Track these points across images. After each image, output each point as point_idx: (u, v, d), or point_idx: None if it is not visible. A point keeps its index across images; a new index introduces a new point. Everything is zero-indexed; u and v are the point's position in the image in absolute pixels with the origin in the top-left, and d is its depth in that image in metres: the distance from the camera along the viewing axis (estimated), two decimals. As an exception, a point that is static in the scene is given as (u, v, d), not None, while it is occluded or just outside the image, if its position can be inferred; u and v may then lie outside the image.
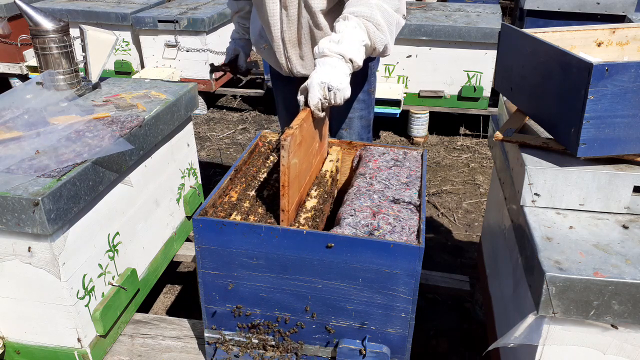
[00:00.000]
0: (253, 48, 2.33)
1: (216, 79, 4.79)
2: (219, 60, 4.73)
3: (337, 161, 1.92)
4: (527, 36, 1.59)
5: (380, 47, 1.71)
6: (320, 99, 1.58)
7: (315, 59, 1.65)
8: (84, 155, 1.65)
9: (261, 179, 1.75)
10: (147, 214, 2.09)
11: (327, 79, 1.56)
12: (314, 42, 1.98)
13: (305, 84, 1.61)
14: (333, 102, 1.61)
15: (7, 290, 1.66)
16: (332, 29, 1.73)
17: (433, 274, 2.34)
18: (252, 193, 1.67)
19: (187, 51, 4.57)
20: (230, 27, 4.89)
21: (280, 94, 2.38)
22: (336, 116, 2.21)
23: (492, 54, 3.98)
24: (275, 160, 1.88)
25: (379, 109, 3.82)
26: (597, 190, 1.43)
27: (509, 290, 1.65)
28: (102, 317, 1.75)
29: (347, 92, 1.62)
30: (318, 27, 1.93)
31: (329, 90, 1.57)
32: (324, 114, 1.65)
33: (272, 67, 2.24)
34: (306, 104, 1.61)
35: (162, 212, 2.23)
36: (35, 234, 1.51)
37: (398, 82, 4.30)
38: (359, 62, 1.65)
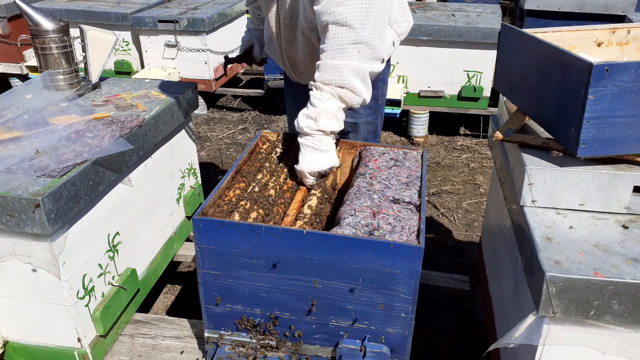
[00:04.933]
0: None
1: (216, 79, 4.79)
2: (220, 60, 4.72)
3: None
4: (527, 36, 1.59)
5: (357, 106, 1.71)
6: (314, 181, 1.72)
7: (297, 134, 1.70)
8: (84, 155, 1.65)
9: (261, 179, 1.75)
10: (147, 214, 2.09)
11: (316, 167, 1.68)
12: (313, 60, 1.92)
13: (296, 168, 1.71)
14: (325, 176, 1.74)
15: (7, 290, 1.66)
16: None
17: (433, 274, 2.34)
18: (252, 193, 1.67)
19: (187, 51, 4.57)
20: (230, 27, 4.89)
21: (290, 92, 2.38)
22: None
23: (492, 54, 3.97)
24: (275, 161, 1.88)
25: (379, 109, 3.81)
26: (597, 190, 1.43)
27: (509, 290, 1.65)
28: (102, 317, 1.75)
29: (336, 164, 1.73)
30: (317, 48, 1.90)
31: (319, 169, 1.69)
32: (319, 180, 1.76)
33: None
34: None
35: (162, 212, 2.23)
36: (35, 234, 1.51)
37: (398, 82, 4.29)
38: (340, 128, 1.69)
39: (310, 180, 1.72)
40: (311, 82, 1.68)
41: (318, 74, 1.67)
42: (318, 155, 1.68)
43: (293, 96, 2.35)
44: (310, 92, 1.67)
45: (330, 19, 1.63)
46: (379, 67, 1.71)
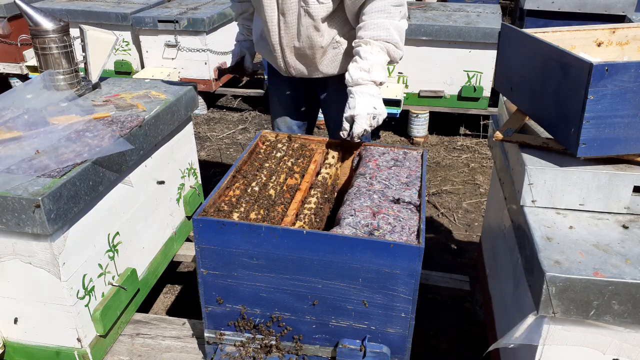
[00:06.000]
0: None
1: (216, 79, 4.79)
2: (220, 59, 4.73)
3: (337, 165, 1.93)
4: (527, 36, 1.59)
5: (398, 61, 1.94)
6: (366, 129, 1.82)
7: (348, 87, 1.86)
8: (84, 155, 1.65)
9: (261, 179, 1.75)
10: (147, 214, 2.09)
11: (372, 110, 1.82)
12: (311, 45, 2.01)
13: (351, 113, 1.82)
14: (374, 126, 1.85)
15: (7, 290, 1.66)
16: (338, 34, 1.98)
17: (433, 274, 2.34)
18: (252, 193, 1.67)
19: (187, 51, 4.57)
20: (230, 27, 4.89)
21: (275, 91, 2.38)
22: (336, 117, 2.21)
23: (492, 54, 3.97)
24: (275, 161, 1.88)
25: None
26: (597, 190, 1.43)
27: (509, 290, 1.65)
28: (102, 317, 1.75)
29: (385, 112, 1.86)
30: (318, 30, 1.97)
31: (374, 118, 1.82)
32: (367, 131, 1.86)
33: (271, 64, 2.25)
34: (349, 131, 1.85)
35: (162, 212, 2.23)
36: (35, 234, 1.51)
37: (398, 82, 4.29)
38: (386, 79, 1.90)
39: (361, 128, 1.79)
40: (357, 40, 1.88)
41: (365, 32, 1.86)
42: (372, 99, 1.82)
43: (279, 94, 2.36)
44: (359, 48, 1.86)
45: None
46: (406, 25, 1.96)
